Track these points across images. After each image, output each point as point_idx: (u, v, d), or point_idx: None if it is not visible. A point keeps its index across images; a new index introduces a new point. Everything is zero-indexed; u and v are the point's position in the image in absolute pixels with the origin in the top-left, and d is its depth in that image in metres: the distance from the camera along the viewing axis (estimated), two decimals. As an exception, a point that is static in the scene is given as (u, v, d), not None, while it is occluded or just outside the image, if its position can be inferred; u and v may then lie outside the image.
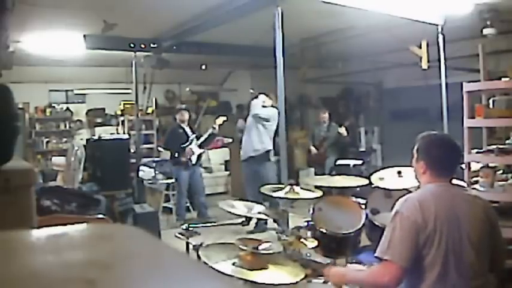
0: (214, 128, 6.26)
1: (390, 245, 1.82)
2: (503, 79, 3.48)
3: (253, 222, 5.23)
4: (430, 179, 2.01)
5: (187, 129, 6.27)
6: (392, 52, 6.58)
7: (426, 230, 1.82)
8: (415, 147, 2.09)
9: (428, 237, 1.82)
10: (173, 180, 6.69)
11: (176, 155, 6.11)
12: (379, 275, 1.84)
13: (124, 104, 8.98)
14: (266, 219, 4.12)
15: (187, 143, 6.12)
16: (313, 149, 7.30)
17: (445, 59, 5.04)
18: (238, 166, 8.02)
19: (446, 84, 5.00)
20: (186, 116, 6.32)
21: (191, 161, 6.10)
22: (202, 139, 6.23)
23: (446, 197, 1.94)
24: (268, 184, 3.73)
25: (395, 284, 1.79)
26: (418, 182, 2.11)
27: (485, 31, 5.03)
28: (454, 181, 2.13)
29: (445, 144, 2.05)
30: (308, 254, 3.26)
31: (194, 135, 6.25)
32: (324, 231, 3.15)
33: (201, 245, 2.41)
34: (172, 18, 5.34)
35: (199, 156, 6.25)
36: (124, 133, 8.40)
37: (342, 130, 7.07)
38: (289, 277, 2.18)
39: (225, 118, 6.31)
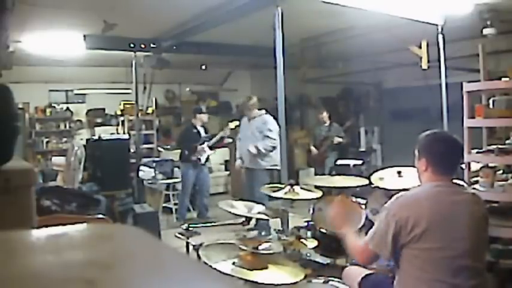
0: (225, 132, 6.31)
1: (374, 236, 2.00)
2: (503, 79, 3.48)
3: (253, 222, 5.23)
4: (432, 177, 2.01)
5: (201, 130, 6.32)
6: (392, 52, 6.58)
7: (412, 230, 1.85)
8: (417, 147, 2.09)
9: (415, 237, 1.85)
10: (173, 180, 6.70)
11: (186, 153, 6.13)
12: (359, 251, 2.10)
13: (124, 104, 8.97)
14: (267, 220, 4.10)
15: (200, 143, 6.16)
16: (313, 149, 7.30)
17: (445, 59, 5.04)
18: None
19: (446, 84, 4.99)
20: (205, 118, 6.36)
21: (200, 160, 6.13)
22: (214, 140, 6.27)
23: (442, 197, 1.94)
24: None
25: (365, 263, 2.15)
26: (420, 182, 2.11)
27: (485, 31, 5.03)
28: (455, 181, 2.13)
29: (447, 141, 2.05)
30: (308, 254, 3.26)
31: (207, 136, 6.28)
32: (324, 231, 3.15)
33: (201, 245, 2.41)
34: (172, 18, 5.34)
35: (208, 157, 6.29)
36: (124, 133, 8.39)
37: (338, 140, 7.09)
38: (289, 277, 2.18)
39: (237, 123, 6.10)
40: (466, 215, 1.90)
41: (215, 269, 2.01)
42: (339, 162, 6.95)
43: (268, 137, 5.24)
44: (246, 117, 5.65)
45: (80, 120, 9.06)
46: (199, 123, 6.32)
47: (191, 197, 6.56)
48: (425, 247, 1.84)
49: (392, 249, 1.91)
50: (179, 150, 6.46)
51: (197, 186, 6.34)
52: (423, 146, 2.05)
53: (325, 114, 7.28)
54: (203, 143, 6.18)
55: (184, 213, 6.21)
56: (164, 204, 6.66)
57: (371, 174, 3.55)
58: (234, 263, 2.18)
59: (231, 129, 6.23)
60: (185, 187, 6.21)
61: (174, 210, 6.44)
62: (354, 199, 3.53)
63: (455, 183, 2.06)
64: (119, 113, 9.18)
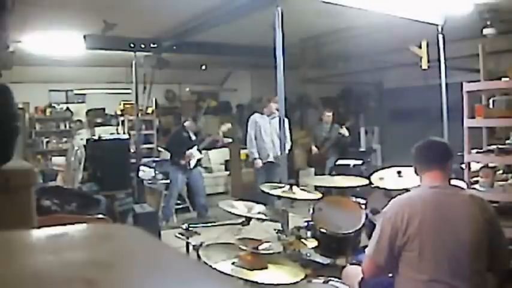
0: (218, 134, 6.31)
1: (371, 242, 2.01)
2: (503, 79, 3.48)
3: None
4: (424, 175, 2.08)
5: (192, 134, 6.25)
6: (392, 52, 6.57)
7: (407, 230, 1.88)
8: None
9: (409, 237, 1.87)
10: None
11: (175, 157, 6.10)
12: (363, 267, 2.08)
13: (124, 104, 8.97)
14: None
15: (190, 147, 6.12)
16: (314, 148, 7.28)
17: (445, 59, 5.03)
18: (238, 166, 8.04)
19: (446, 84, 4.99)
20: (193, 128, 6.29)
21: (189, 165, 6.09)
22: (204, 144, 6.25)
23: (437, 199, 1.96)
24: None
25: (368, 275, 2.07)
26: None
27: (485, 31, 5.03)
28: (454, 181, 2.15)
29: (427, 141, 2.18)
30: (308, 254, 3.26)
31: (197, 140, 6.25)
32: (324, 231, 3.15)
33: (201, 245, 2.41)
34: (172, 18, 5.34)
35: (198, 160, 6.26)
36: (124, 133, 8.39)
37: (344, 131, 7.03)
38: (289, 277, 2.18)
39: (230, 125, 6.31)
40: (463, 217, 1.90)
41: (215, 269, 2.01)
42: (339, 162, 6.94)
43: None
44: (262, 114, 6.04)
45: (80, 120, 9.07)
46: (189, 128, 6.24)
47: (190, 198, 6.56)
48: (421, 248, 1.85)
49: (389, 252, 1.92)
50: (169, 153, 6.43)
51: (192, 188, 6.32)
52: (412, 156, 2.17)
53: (330, 114, 7.19)
54: (192, 147, 6.13)
55: (170, 214, 6.16)
56: (164, 204, 6.65)
57: (371, 174, 3.55)
58: (234, 263, 2.18)
59: (223, 132, 6.27)
60: (172, 189, 6.18)
61: (160, 209, 6.42)
62: (354, 199, 3.53)
63: (453, 185, 2.09)
64: (119, 113, 9.18)
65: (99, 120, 9.12)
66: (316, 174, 7.23)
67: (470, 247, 1.85)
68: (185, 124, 6.29)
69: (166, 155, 7.56)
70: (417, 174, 2.14)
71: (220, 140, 6.61)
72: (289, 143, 5.95)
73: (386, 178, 3.34)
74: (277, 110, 5.44)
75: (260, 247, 2.22)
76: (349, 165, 6.77)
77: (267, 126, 6.03)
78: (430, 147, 2.15)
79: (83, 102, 9.16)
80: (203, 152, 6.51)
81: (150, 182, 6.64)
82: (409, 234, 1.87)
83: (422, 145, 2.17)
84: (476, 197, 2.05)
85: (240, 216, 2.78)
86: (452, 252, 1.84)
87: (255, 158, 5.98)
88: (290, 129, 6.06)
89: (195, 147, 6.14)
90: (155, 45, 6.20)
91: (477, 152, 3.27)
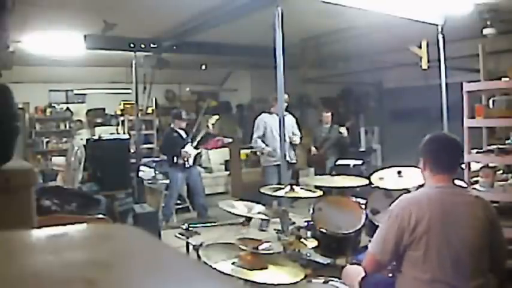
0: (208, 127, 6.33)
1: (376, 239, 2.00)
2: (503, 79, 3.48)
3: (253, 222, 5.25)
4: (431, 176, 2.04)
5: (182, 132, 6.25)
6: (392, 52, 6.58)
7: (415, 230, 1.87)
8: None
9: (416, 237, 1.87)
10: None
11: (173, 158, 6.11)
12: (365, 261, 2.08)
13: (124, 104, 8.97)
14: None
15: (184, 146, 6.12)
16: (313, 149, 7.28)
17: (445, 59, 5.03)
18: (239, 166, 8.04)
19: (446, 84, 4.99)
20: (183, 124, 6.28)
21: (188, 162, 6.09)
22: (197, 140, 6.25)
23: (443, 198, 1.96)
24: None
25: (370, 271, 2.08)
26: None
27: (485, 31, 5.03)
28: (456, 181, 2.15)
29: (442, 139, 2.12)
30: (308, 254, 3.27)
31: (189, 138, 6.25)
32: (324, 231, 3.15)
33: (201, 245, 2.42)
34: (172, 18, 5.34)
35: (195, 157, 6.25)
36: (124, 133, 8.39)
37: (343, 130, 7.03)
38: (289, 277, 2.18)
39: (217, 117, 6.42)
40: (468, 217, 1.90)
41: (215, 269, 2.01)
42: (339, 162, 6.94)
43: (295, 134, 5.91)
44: (271, 114, 5.88)
45: (80, 120, 9.07)
46: (178, 127, 6.22)
47: (189, 198, 6.57)
48: (427, 247, 1.85)
49: (394, 251, 1.92)
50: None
51: (191, 188, 6.33)
52: (421, 146, 2.10)
53: (328, 115, 7.20)
54: (186, 145, 6.11)
55: (169, 214, 6.16)
56: (164, 204, 6.65)
57: (371, 174, 3.55)
58: (234, 263, 2.18)
59: (212, 124, 6.32)
60: (172, 189, 6.18)
61: (160, 210, 6.42)
62: (354, 199, 3.53)
63: (457, 185, 2.09)
64: (119, 113, 9.19)
65: (99, 120, 9.12)
66: (316, 174, 7.23)
67: (473, 247, 1.85)
68: (172, 126, 6.28)
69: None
70: (422, 169, 2.08)
71: (210, 131, 6.65)
72: (298, 136, 6.01)
73: (386, 178, 3.34)
74: (286, 106, 5.40)
75: (260, 247, 2.22)
76: (349, 165, 6.77)
77: (277, 125, 5.85)
78: (445, 149, 2.04)
79: (83, 102, 9.16)
80: (200, 148, 6.53)
81: (150, 182, 6.64)
82: (416, 234, 1.86)
83: (431, 139, 2.07)
84: (480, 198, 2.06)
85: (240, 216, 2.78)
86: (456, 252, 1.84)
87: (263, 148, 5.76)
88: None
89: (189, 145, 6.14)
90: (155, 45, 6.20)
91: (477, 152, 3.27)
